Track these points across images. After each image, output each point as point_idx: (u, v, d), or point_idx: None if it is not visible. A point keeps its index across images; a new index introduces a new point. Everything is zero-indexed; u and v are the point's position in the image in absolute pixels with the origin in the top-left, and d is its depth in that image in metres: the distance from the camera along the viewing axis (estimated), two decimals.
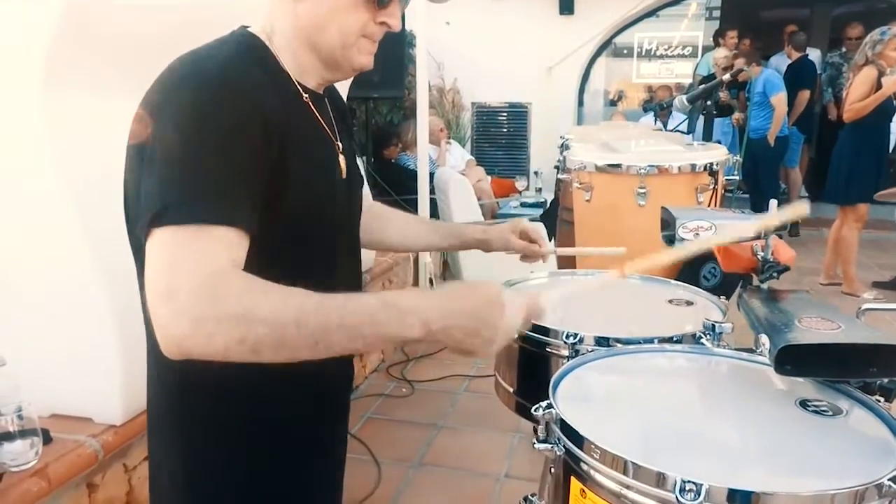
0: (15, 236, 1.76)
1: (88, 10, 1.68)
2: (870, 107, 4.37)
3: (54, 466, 1.61)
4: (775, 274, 1.23)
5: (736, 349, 1.18)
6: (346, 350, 0.80)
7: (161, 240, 0.77)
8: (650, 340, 1.22)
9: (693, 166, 2.38)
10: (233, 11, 1.56)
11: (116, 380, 1.79)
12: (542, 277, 1.66)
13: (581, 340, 1.24)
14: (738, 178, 2.60)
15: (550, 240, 3.35)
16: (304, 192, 0.90)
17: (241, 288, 0.75)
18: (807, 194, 6.90)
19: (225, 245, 0.78)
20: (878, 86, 4.33)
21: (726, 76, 3.18)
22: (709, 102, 2.85)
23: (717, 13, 8.96)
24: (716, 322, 1.22)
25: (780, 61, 6.58)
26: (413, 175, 4.44)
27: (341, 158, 1.02)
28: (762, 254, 1.25)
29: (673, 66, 9.50)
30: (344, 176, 1.02)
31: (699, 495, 0.75)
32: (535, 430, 0.98)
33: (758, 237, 1.16)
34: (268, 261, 0.84)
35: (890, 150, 4.91)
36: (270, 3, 0.95)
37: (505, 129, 7.25)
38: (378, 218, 1.31)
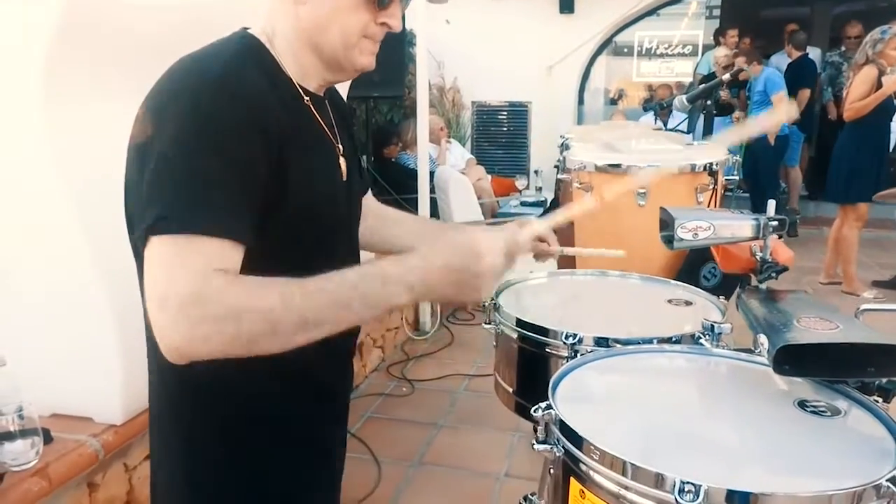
0: (15, 236, 1.77)
1: (88, 10, 1.68)
2: (870, 106, 4.37)
3: (55, 466, 1.61)
4: (774, 274, 1.23)
5: (735, 349, 1.18)
6: (337, 325, 0.82)
7: (157, 249, 0.79)
8: (649, 341, 1.23)
9: (693, 166, 2.38)
10: (233, 10, 1.56)
11: (117, 379, 1.79)
12: (541, 277, 1.66)
13: (580, 341, 1.25)
14: (737, 177, 2.60)
15: None
16: (304, 194, 0.91)
17: (223, 287, 0.77)
18: (807, 193, 6.90)
19: (219, 256, 0.80)
20: (879, 85, 4.33)
21: (726, 76, 3.17)
22: (709, 102, 2.85)
23: (717, 12, 8.96)
24: (715, 322, 1.22)
25: (781, 60, 6.57)
26: (413, 174, 4.44)
27: (342, 161, 1.02)
28: (760, 254, 1.26)
29: (673, 65, 9.50)
30: (344, 178, 1.03)
31: (698, 496, 0.75)
32: (535, 430, 0.98)
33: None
34: (268, 262, 0.85)
35: (890, 150, 4.91)
36: (271, 4, 0.95)
37: (505, 128, 7.25)
38: (387, 221, 1.30)
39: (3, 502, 1.48)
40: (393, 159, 5.34)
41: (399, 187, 4.57)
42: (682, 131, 3.48)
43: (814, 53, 6.78)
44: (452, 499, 2.49)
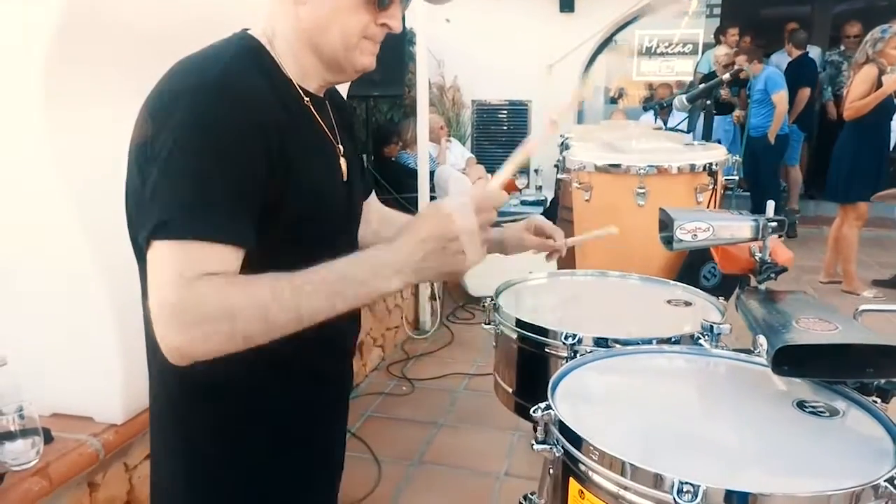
0: (15, 236, 1.77)
1: (88, 10, 1.68)
2: (870, 105, 4.37)
3: (55, 466, 1.61)
4: (773, 275, 1.24)
5: (734, 350, 1.18)
6: (331, 314, 0.83)
7: (159, 253, 0.80)
8: (649, 341, 1.23)
9: (692, 166, 2.38)
10: (234, 10, 1.56)
11: (117, 379, 1.79)
12: (541, 277, 1.66)
13: (580, 341, 1.25)
14: (737, 177, 2.60)
15: None
16: (305, 195, 0.91)
17: (214, 288, 0.79)
18: (803, 191, 6.90)
19: (220, 260, 0.81)
20: (879, 84, 4.33)
21: (726, 76, 3.17)
22: (708, 102, 2.85)
23: (717, 10, 8.95)
24: (714, 323, 1.22)
25: (781, 59, 6.57)
26: (413, 173, 4.44)
27: (342, 161, 1.02)
28: (760, 255, 1.26)
29: (673, 64, 9.48)
30: (345, 179, 1.03)
31: (696, 496, 0.76)
32: (535, 430, 0.98)
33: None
34: (268, 263, 0.85)
35: (890, 149, 4.91)
36: (271, 5, 0.96)
37: (505, 127, 7.24)
38: (392, 225, 1.29)
39: (3, 502, 1.48)
40: (393, 158, 5.33)
41: (399, 186, 4.57)
42: (682, 131, 3.47)
43: (814, 52, 6.78)
44: (452, 498, 2.49)
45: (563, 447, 0.92)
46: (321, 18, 0.92)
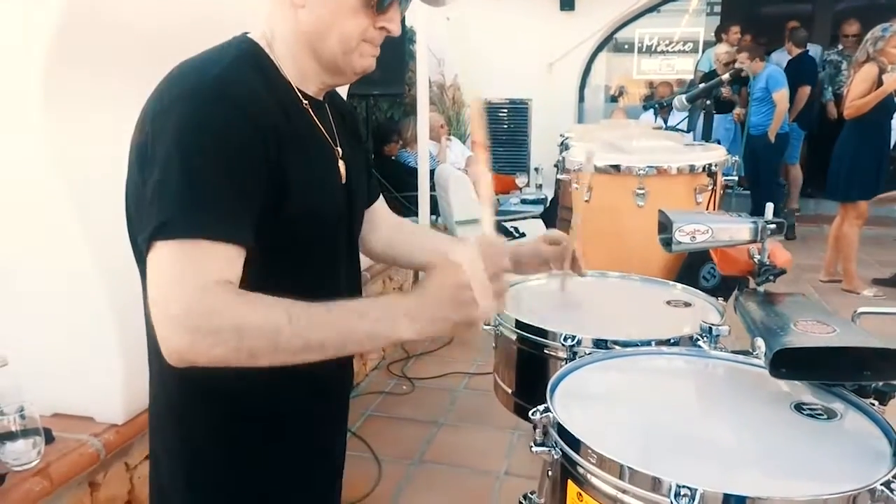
0: (15, 236, 1.77)
1: (88, 10, 1.68)
2: (871, 104, 4.36)
3: (56, 466, 1.62)
4: (771, 277, 1.24)
5: (732, 352, 1.18)
6: (339, 352, 0.83)
7: (161, 253, 0.79)
8: (648, 343, 1.23)
9: (692, 167, 2.38)
10: (233, 10, 1.56)
11: (118, 379, 1.80)
12: (541, 278, 1.66)
13: (579, 342, 1.25)
14: (736, 178, 2.60)
15: None
16: (302, 197, 0.91)
17: (231, 301, 0.79)
18: (806, 190, 6.89)
19: (222, 260, 0.81)
20: (879, 83, 4.33)
21: (725, 76, 3.17)
22: (708, 101, 2.85)
23: (717, 9, 8.94)
24: (713, 324, 1.22)
25: (781, 57, 6.56)
26: (413, 172, 4.44)
27: (341, 164, 1.03)
28: (758, 257, 1.26)
29: (674, 62, 9.47)
30: (343, 181, 1.03)
31: (694, 500, 0.76)
32: (534, 431, 0.99)
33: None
34: (268, 265, 0.86)
35: (891, 148, 4.91)
36: (270, 8, 0.96)
37: (506, 126, 7.24)
38: (406, 234, 1.29)
39: (4, 502, 1.48)
40: (393, 157, 5.34)
41: (399, 185, 4.58)
42: (682, 130, 3.47)
43: (815, 50, 6.77)
44: (453, 497, 2.50)
45: (561, 450, 0.92)
46: (320, 22, 0.92)
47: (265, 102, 0.88)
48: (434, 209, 4.51)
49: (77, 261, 1.75)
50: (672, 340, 1.24)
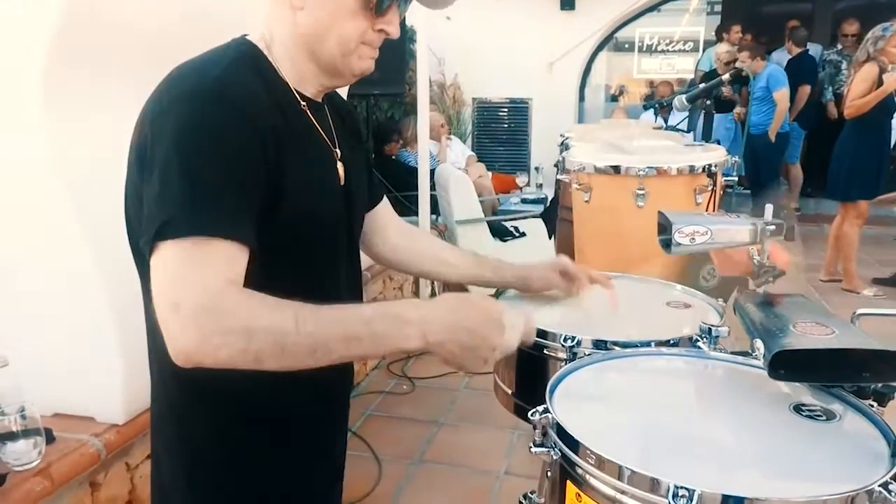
0: (15, 236, 1.77)
1: (88, 10, 1.68)
2: (871, 103, 4.37)
3: (57, 466, 1.62)
4: (771, 278, 1.24)
5: (732, 353, 1.18)
6: (345, 357, 0.84)
7: (165, 253, 0.79)
8: (647, 344, 1.23)
9: (692, 168, 2.38)
10: (233, 10, 1.57)
11: (118, 379, 1.80)
12: None
13: (579, 343, 1.25)
14: (736, 178, 2.60)
15: (551, 238, 3.36)
16: (301, 199, 0.92)
17: (241, 302, 0.79)
18: (806, 189, 6.90)
19: (226, 258, 0.81)
20: (880, 82, 4.33)
21: (725, 76, 3.16)
22: (708, 102, 2.85)
23: (718, 8, 8.93)
24: (712, 325, 1.22)
25: (781, 57, 6.57)
26: (413, 171, 4.44)
27: (339, 165, 1.03)
28: (758, 258, 1.26)
29: (674, 62, 9.46)
30: (342, 182, 1.03)
31: (692, 501, 0.76)
32: (534, 431, 0.99)
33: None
34: (267, 266, 0.86)
35: (891, 147, 4.91)
36: (269, 10, 0.96)
37: (506, 125, 7.25)
38: (414, 240, 1.30)
39: (5, 502, 1.49)
40: (393, 156, 5.34)
41: (399, 184, 4.57)
42: (683, 130, 3.47)
43: (815, 49, 6.77)
44: (453, 496, 2.50)
45: (560, 450, 0.92)
46: (319, 24, 0.92)
47: (264, 104, 0.89)
48: (434, 208, 4.51)
49: (77, 261, 1.75)
50: (671, 341, 1.24)
